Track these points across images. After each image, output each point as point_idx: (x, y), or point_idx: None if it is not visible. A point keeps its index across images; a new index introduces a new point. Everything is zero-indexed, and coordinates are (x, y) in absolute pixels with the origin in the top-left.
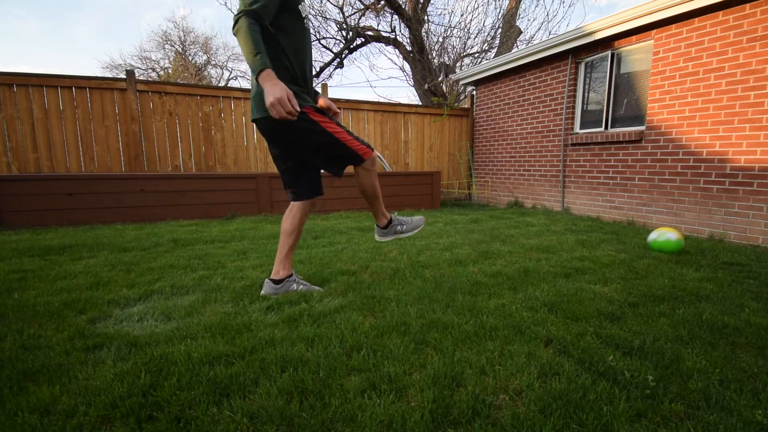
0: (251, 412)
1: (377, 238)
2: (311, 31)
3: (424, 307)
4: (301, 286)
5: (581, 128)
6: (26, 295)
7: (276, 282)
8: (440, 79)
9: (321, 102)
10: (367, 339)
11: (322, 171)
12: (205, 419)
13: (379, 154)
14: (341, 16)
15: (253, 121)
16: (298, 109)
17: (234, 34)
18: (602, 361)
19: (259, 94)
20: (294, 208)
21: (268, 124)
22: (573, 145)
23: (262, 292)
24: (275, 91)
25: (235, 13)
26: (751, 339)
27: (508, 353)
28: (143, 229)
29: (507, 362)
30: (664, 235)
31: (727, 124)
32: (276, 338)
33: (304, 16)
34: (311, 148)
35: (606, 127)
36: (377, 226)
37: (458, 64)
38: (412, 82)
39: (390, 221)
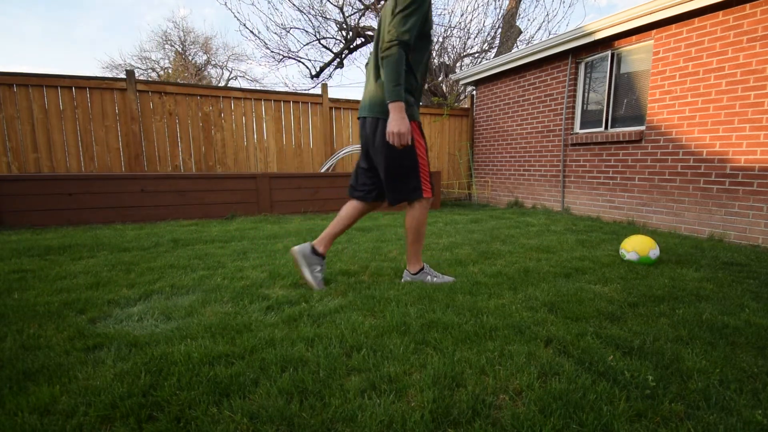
0: (251, 412)
1: (406, 278)
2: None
3: (424, 307)
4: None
5: (581, 128)
6: (26, 295)
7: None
8: (440, 79)
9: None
10: (367, 339)
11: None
12: (205, 419)
13: None
14: (341, 16)
15: (360, 118)
16: (409, 143)
17: (382, 57)
18: (602, 361)
19: (378, 98)
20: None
21: (370, 126)
22: (573, 145)
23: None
24: (402, 125)
25: (389, 38)
26: (751, 339)
27: (508, 353)
28: (143, 229)
29: (507, 362)
30: (624, 257)
31: (727, 124)
32: (276, 338)
33: (431, 40)
34: (393, 163)
35: (606, 127)
36: (408, 270)
37: (458, 64)
38: None
39: (422, 269)
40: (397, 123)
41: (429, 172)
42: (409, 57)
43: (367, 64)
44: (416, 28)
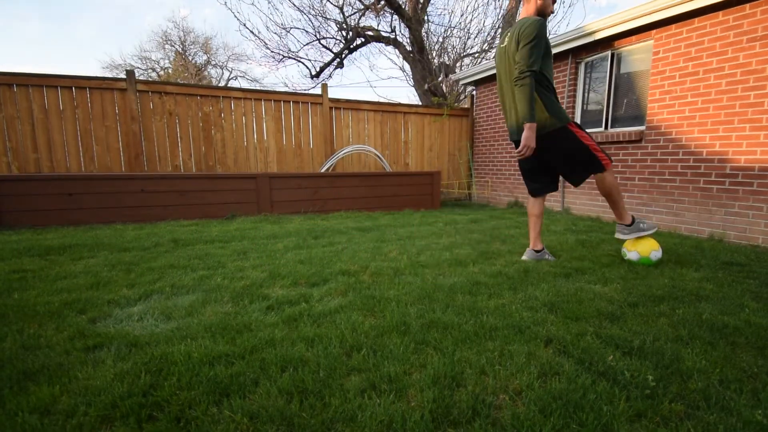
0: (251, 412)
1: (618, 236)
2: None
3: (424, 307)
4: (552, 258)
5: None
6: (26, 295)
7: (537, 252)
8: (440, 79)
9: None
10: (367, 339)
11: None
12: (205, 419)
13: (378, 154)
14: (341, 16)
15: (517, 133)
16: (531, 153)
17: (516, 85)
18: (602, 361)
19: (551, 113)
20: (536, 201)
21: (555, 134)
22: None
23: (524, 257)
24: (532, 141)
25: (520, 70)
26: (751, 339)
27: (508, 353)
28: (143, 229)
29: (507, 362)
30: (625, 256)
31: (727, 124)
32: (276, 338)
33: (551, 53)
34: (562, 157)
35: (606, 127)
36: (621, 224)
37: (458, 64)
38: (412, 82)
39: (633, 220)
40: (530, 139)
41: (600, 147)
42: (544, 75)
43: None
44: (540, 58)
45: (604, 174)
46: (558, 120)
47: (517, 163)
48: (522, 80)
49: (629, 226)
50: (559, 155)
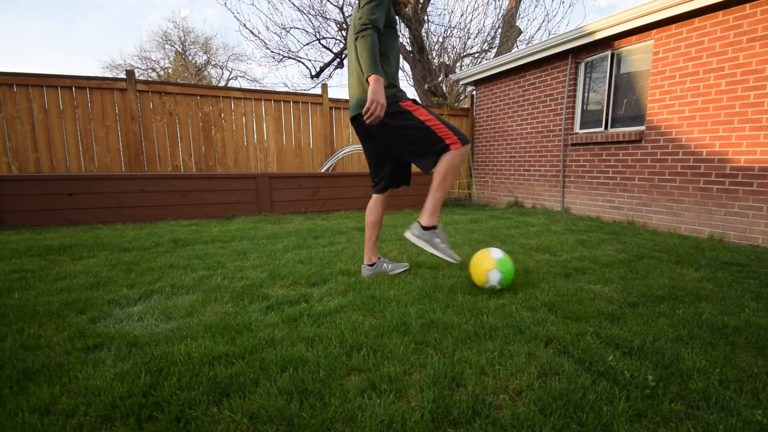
0: (251, 412)
1: (409, 235)
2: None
3: (424, 307)
4: (390, 266)
5: (581, 128)
6: (26, 294)
7: (371, 265)
8: (440, 79)
9: None
10: (367, 339)
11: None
12: (205, 419)
13: None
14: (341, 16)
15: (353, 117)
16: (382, 116)
17: (357, 38)
18: (602, 361)
19: (365, 93)
20: (375, 202)
21: (364, 122)
22: (573, 145)
23: (363, 274)
24: (380, 95)
25: (362, 23)
26: (750, 339)
27: (508, 353)
28: (143, 229)
29: (507, 362)
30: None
31: (727, 124)
32: (276, 338)
33: (395, 25)
34: (401, 140)
35: (606, 127)
36: (418, 224)
37: (458, 64)
38: (412, 82)
39: (435, 227)
40: (377, 93)
41: (448, 124)
42: (384, 53)
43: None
44: (383, 19)
45: (452, 153)
46: (390, 96)
47: (516, 163)
48: (363, 32)
49: (428, 229)
50: (397, 136)
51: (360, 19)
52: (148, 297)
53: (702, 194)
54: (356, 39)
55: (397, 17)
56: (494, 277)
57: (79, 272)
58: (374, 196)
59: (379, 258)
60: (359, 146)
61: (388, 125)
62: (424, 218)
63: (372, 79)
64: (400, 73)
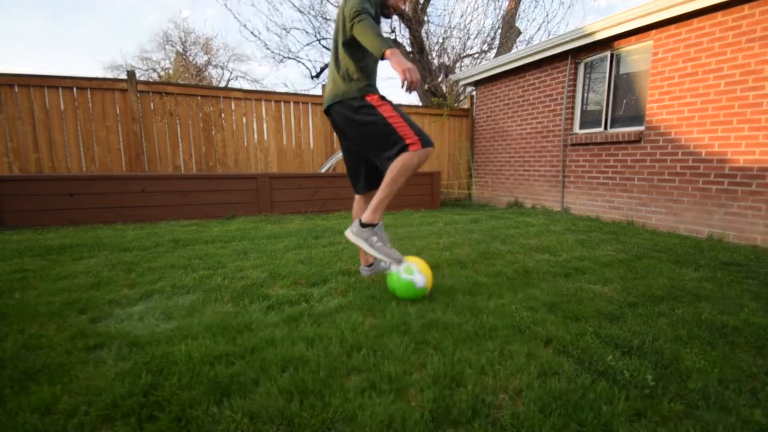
0: (252, 412)
1: (348, 233)
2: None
3: (424, 307)
4: (387, 264)
5: (581, 128)
6: (27, 294)
7: (368, 266)
8: (440, 79)
9: None
10: (367, 339)
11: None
12: (205, 419)
13: None
14: None
15: (326, 112)
16: (418, 78)
17: (354, 25)
18: (602, 361)
19: (340, 87)
20: (357, 202)
21: (339, 112)
22: (572, 145)
23: (362, 274)
24: (404, 62)
25: (355, 10)
26: (750, 339)
27: (508, 353)
28: (144, 229)
29: (507, 362)
30: (412, 274)
31: (726, 124)
32: (276, 338)
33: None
34: (363, 134)
35: (605, 128)
36: (358, 221)
37: (458, 65)
38: None
39: (374, 225)
40: (402, 63)
41: (412, 124)
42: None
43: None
44: (373, 8)
45: (409, 154)
46: (359, 90)
47: (516, 164)
48: (358, 17)
49: (366, 227)
50: (359, 130)
51: (351, 9)
52: (149, 297)
53: (701, 194)
54: (352, 27)
55: (382, 18)
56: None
57: (79, 272)
58: (356, 197)
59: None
60: None
61: (353, 119)
62: (366, 214)
63: (388, 54)
64: None
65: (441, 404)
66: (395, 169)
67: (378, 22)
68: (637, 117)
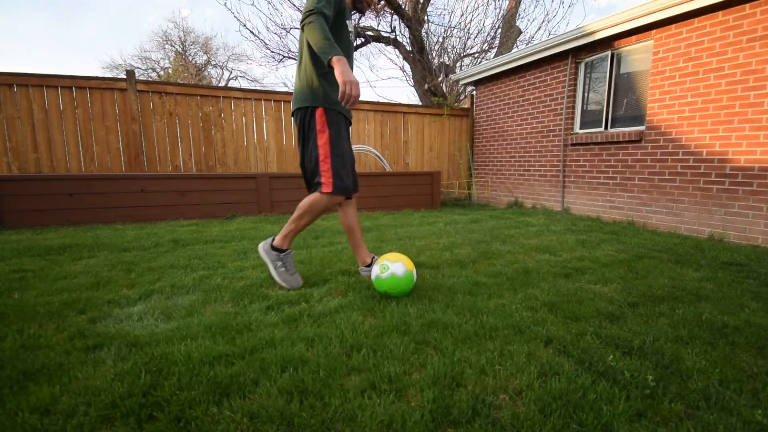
0: (251, 412)
1: (260, 246)
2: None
3: (424, 307)
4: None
5: (581, 128)
6: (26, 294)
7: (367, 266)
8: (440, 79)
9: None
10: (367, 339)
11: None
12: (205, 419)
13: (379, 154)
14: None
15: (293, 112)
16: (359, 94)
17: (303, 26)
18: (602, 361)
19: (302, 89)
20: (339, 209)
21: (300, 117)
22: (573, 145)
23: (362, 275)
24: (349, 74)
25: (307, 10)
26: (750, 339)
27: (508, 353)
28: (143, 229)
29: (507, 362)
30: (388, 269)
31: (727, 124)
32: (276, 338)
33: (350, 31)
34: (306, 148)
35: (606, 127)
36: (271, 240)
37: (458, 64)
38: (412, 82)
39: (284, 251)
40: (345, 73)
41: (336, 164)
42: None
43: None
44: (332, 7)
45: (318, 195)
46: (313, 99)
47: (516, 163)
48: (308, 18)
49: (275, 250)
50: (306, 143)
51: (305, 9)
52: (148, 297)
53: (702, 194)
54: (302, 29)
55: (354, 14)
56: (396, 268)
57: (79, 272)
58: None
59: (374, 257)
60: (360, 146)
61: (303, 129)
62: (277, 238)
63: (334, 61)
64: (401, 74)
65: (441, 404)
66: (304, 205)
67: (344, 19)
68: (637, 117)
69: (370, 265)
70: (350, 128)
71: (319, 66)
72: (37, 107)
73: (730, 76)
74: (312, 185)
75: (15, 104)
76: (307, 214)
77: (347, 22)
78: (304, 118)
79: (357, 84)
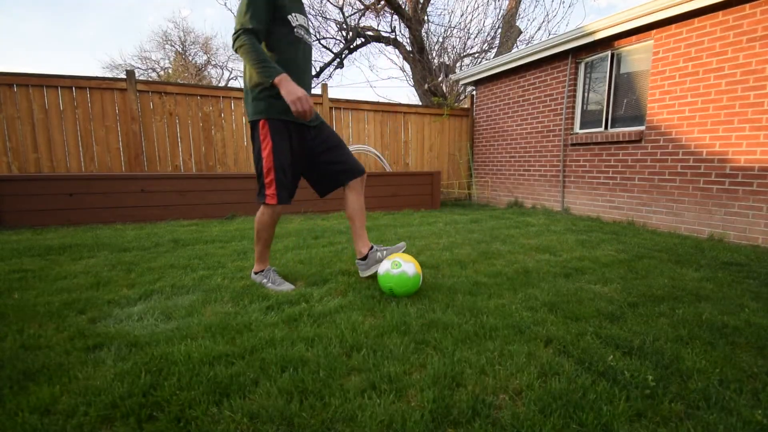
0: (251, 412)
1: (251, 273)
2: (310, 37)
3: (424, 307)
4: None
5: (581, 128)
6: (27, 294)
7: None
8: (440, 79)
9: None
10: (367, 339)
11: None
12: (205, 419)
13: (378, 154)
14: (341, 16)
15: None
16: (309, 107)
17: (235, 50)
18: (602, 361)
19: (248, 104)
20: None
21: (251, 127)
22: (573, 145)
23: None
24: (295, 91)
25: (234, 30)
26: (750, 339)
27: (508, 353)
28: (143, 229)
29: (507, 362)
30: (400, 266)
31: (727, 124)
32: (276, 338)
33: (294, 26)
34: (256, 163)
35: (606, 127)
36: (254, 269)
37: (458, 64)
38: (412, 82)
39: (262, 271)
40: (291, 92)
41: (279, 176)
42: (265, 43)
43: None
44: (263, 13)
45: (263, 208)
46: (255, 112)
47: (516, 163)
48: (236, 42)
49: (258, 274)
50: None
51: (234, 30)
52: (148, 297)
53: (702, 194)
54: (236, 52)
55: (297, 15)
56: (407, 268)
57: (79, 272)
58: (344, 191)
59: (372, 247)
60: (360, 146)
61: (252, 139)
62: (255, 265)
63: (276, 82)
64: (401, 74)
65: (441, 404)
66: (256, 222)
67: (286, 13)
68: (637, 117)
69: (364, 258)
70: (321, 126)
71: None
72: (37, 107)
73: (730, 76)
74: (258, 195)
75: (15, 104)
76: (262, 230)
77: (291, 15)
78: (252, 128)
79: (305, 98)
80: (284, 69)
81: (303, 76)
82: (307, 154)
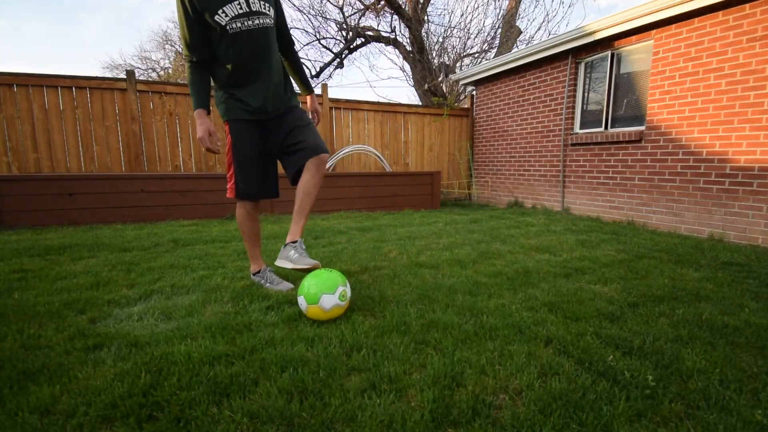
0: (251, 412)
1: (251, 276)
2: (259, 17)
3: (424, 307)
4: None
5: (581, 128)
6: (26, 294)
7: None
8: (440, 79)
9: (308, 105)
10: (367, 339)
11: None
12: (205, 419)
13: (378, 154)
14: (341, 16)
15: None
16: (218, 148)
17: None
18: (602, 361)
19: (217, 104)
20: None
21: None
22: (573, 145)
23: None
24: (200, 129)
25: (183, 55)
26: (750, 339)
27: (508, 353)
28: (143, 229)
29: (507, 362)
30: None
31: (727, 124)
32: (276, 338)
33: (225, 24)
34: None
35: (606, 127)
36: (251, 269)
37: (458, 64)
38: (412, 82)
39: (260, 271)
40: (198, 128)
41: (237, 171)
42: (216, 58)
43: None
44: (196, 40)
45: (237, 204)
46: (221, 113)
47: (516, 163)
48: (186, 64)
49: (255, 275)
50: None
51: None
52: (148, 297)
53: (702, 194)
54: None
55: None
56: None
57: (79, 272)
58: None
59: (296, 242)
60: (360, 146)
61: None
62: (251, 266)
63: (195, 114)
64: (401, 74)
65: (441, 404)
66: (237, 219)
67: (211, 16)
68: (637, 117)
69: (285, 246)
70: (287, 112)
71: (216, 79)
72: (37, 107)
73: (730, 76)
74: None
75: (15, 104)
76: (241, 224)
77: (218, 15)
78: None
79: (204, 137)
80: (237, 73)
81: (261, 66)
82: (276, 144)
